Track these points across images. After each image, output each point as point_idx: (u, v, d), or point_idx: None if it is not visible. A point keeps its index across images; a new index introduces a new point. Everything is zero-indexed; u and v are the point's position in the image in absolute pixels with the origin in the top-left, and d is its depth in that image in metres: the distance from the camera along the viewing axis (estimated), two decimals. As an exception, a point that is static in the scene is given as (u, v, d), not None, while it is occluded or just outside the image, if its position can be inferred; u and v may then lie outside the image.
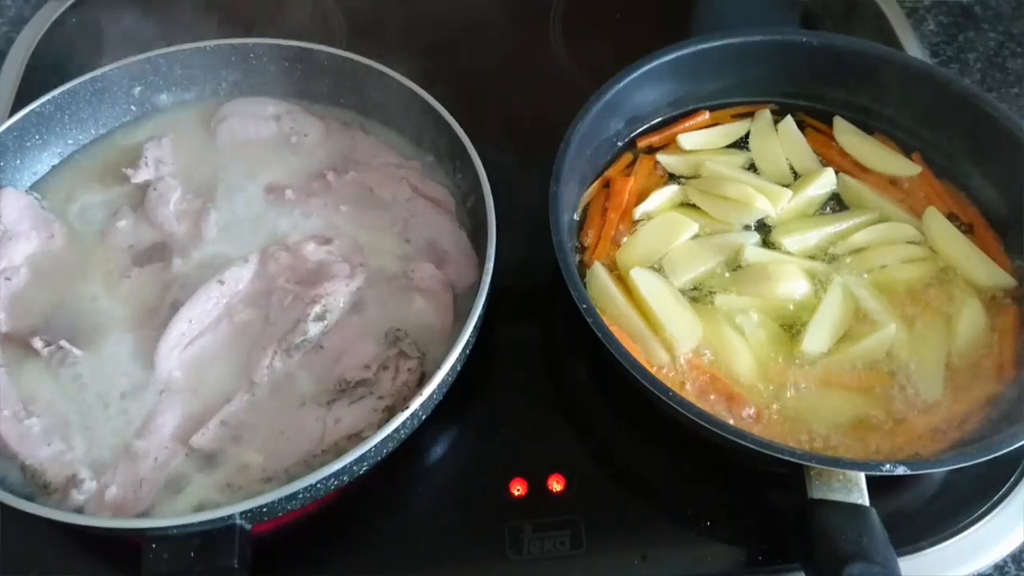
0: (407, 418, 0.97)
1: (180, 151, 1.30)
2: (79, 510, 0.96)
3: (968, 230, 1.26)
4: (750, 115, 1.40)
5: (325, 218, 1.22)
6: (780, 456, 0.94)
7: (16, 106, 1.42)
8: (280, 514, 0.95)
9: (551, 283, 1.22)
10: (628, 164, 1.33)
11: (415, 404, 0.97)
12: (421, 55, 1.33)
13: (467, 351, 1.04)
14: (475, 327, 1.03)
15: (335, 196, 1.24)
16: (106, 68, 1.28)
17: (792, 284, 1.17)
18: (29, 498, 0.97)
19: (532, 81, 1.42)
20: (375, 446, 0.94)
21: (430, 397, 0.99)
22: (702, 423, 0.96)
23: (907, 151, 1.34)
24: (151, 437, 1.02)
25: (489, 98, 1.43)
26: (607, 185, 1.30)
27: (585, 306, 1.04)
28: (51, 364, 1.08)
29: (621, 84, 1.26)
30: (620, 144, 1.35)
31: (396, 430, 0.96)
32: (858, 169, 1.33)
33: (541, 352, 1.22)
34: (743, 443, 0.95)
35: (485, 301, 1.05)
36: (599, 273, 1.19)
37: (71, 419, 1.04)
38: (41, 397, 1.05)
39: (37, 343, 1.07)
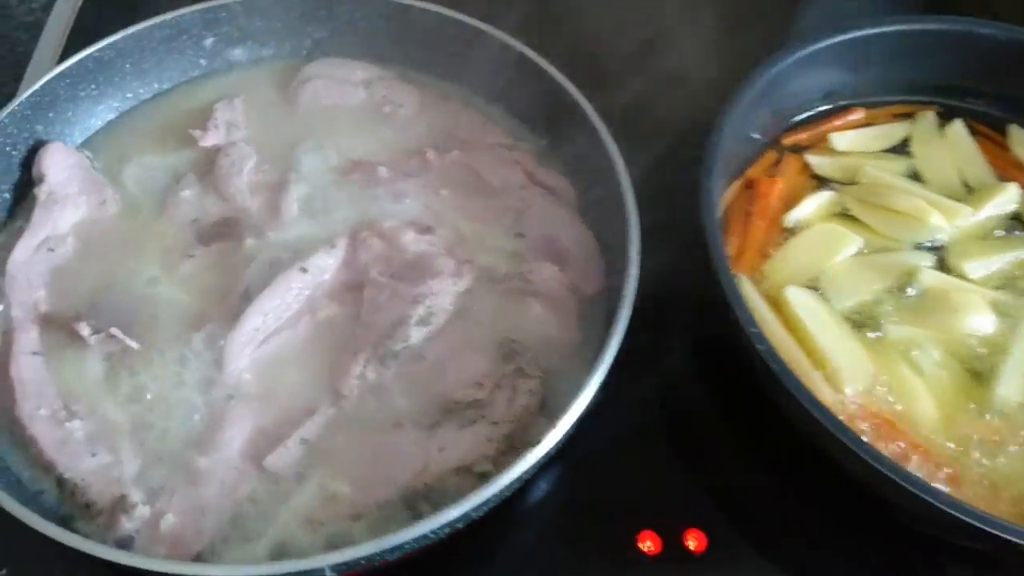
0: (541, 457, 0.78)
1: (254, 115, 1.12)
2: (127, 542, 0.78)
3: None
4: (908, 116, 1.20)
5: (423, 203, 1.04)
6: (1006, 537, 0.75)
7: (68, 51, 1.24)
8: (376, 565, 0.76)
9: (693, 296, 1.03)
10: (772, 163, 1.14)
11: (549, 441, 0.78)
12: (538, 17, 1.14)
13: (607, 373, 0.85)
14: (619, 343, 0.85)
15: (435, 178, 1.05)
16: (177, 12, 1.10)
17: (980, 318, 0.98)
18: (66, 520, 0.80)
19: (673, 55, 1.23)
20: (502, 489, 0.76)
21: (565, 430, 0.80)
22: (906, 486, 0.77)
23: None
24: (217, 454, 0.83)
25: (621, 72, 1.23)
26: (748, 186, 1.11)
27: (754, 331, 0.85)
28: (99, 356, 0.89)
29: (778, 67, 1.07)
30: (763, 140, 1.16)
31: (527, 471, 0.77)
32: (1038, 185, 1.14)
33: (678, 379, 1.03)
34: (958, 516, 0.76)
35: (630, 310, 0.86)
36: (746, 289, 1.00)
37: (121, 425, 0.86)
38: (85, 396, 0.87)
39: (83, 329, 0.89)
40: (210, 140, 1.06)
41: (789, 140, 1.16)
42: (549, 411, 0.88)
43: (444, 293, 0.93)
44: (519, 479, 0.77)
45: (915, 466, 0.88)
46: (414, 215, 1.02)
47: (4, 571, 0.83)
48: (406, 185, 1.04)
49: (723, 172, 1.10)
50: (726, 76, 1.06)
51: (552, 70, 1.05)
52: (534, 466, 0.78)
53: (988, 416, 0.93)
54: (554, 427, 0.79)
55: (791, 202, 1.09)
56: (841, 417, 0.90)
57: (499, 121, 1.13)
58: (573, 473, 0.96)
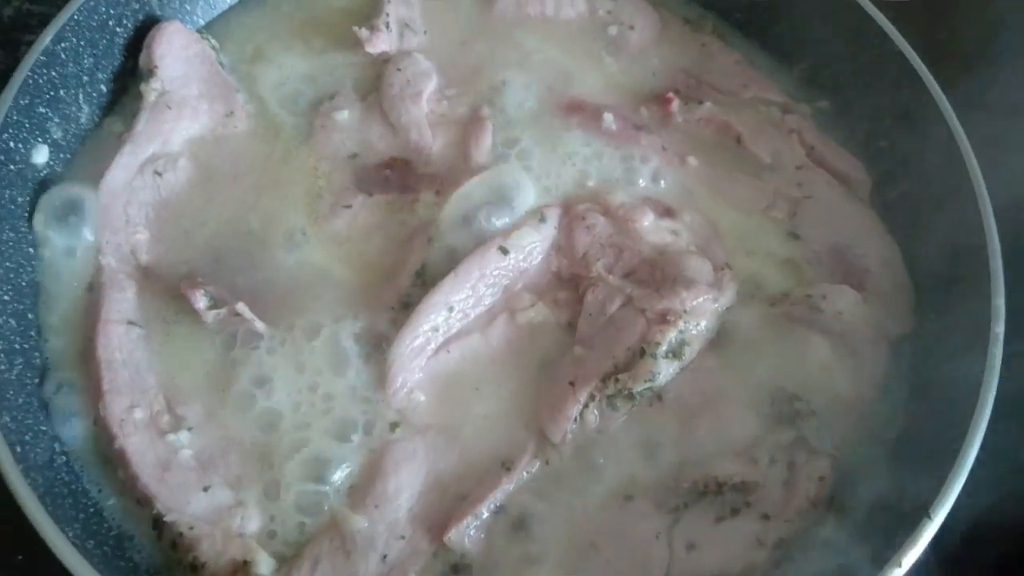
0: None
1: (437, 18, 0.84)
2: (247, 638, 0.54)
3: None
4: None
5: (664, 172, 0.75)
6: None
7: None
8: None
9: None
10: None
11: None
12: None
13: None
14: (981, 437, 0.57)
15: (680, 138, 0.77)
16: None
17: None
18: (158, 578, 0.55)
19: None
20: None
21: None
22: None
23: None
24: (379, 511, 0.58)
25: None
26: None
27: None
28: (218, 339, 0.64)
29: None
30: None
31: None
32: None
33: None
34: None
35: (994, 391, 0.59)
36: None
37: (246, 446, 0.60)
38: (197, 396, 0.62)
39: (198, 300, 0.63)
40: (379, 45, 0.78)
41: None
42: (837, 508, 0.61)
43: (702, 312, 0.65)
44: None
45: None
46: (651, 189, 0.74)
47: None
48: (639, 144, 0.76)
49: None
50: None
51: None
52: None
53: None
54: (899, 567, 0.52)
55: None
56: None
57: (765, 67, 0.83)
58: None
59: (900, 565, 0.52)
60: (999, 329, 0.61)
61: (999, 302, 0.62)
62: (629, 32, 0.83)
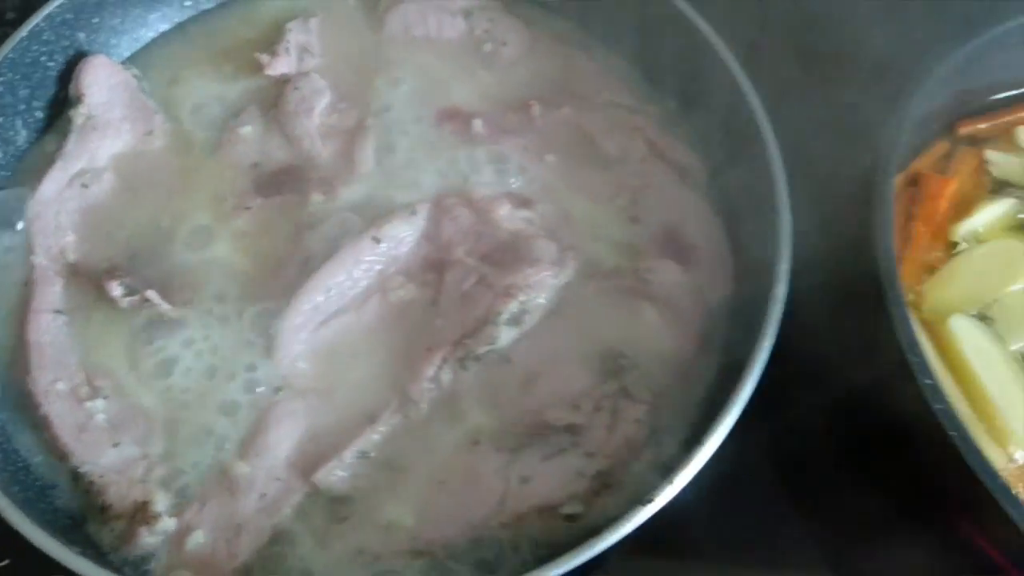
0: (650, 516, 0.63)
1: (333, 41, 0.95)
2: (143, 562, 0.65)
3: None
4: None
5: (525, 169, 0.87)
6: None
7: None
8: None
9: (848, 316, 0.85)
10: (942, 156, 0.95)
11: (664, 495, 0.63)
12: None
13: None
14: (758, 378, 0.68)
15: (540, 139, 0.88)
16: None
17: None
18: (79, 521, 0.67)
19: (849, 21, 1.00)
20: (601, 552, 0.61)
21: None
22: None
23: None
24: (259, 459, 0.70)
25: (779, 22, 1.01)
26: (913, 183, 0.92)
27: (929, 383, 0.68)
28: (130, 323, 0.76)
29: (981, 41, 0.87)
30: (935, 126, 0.96)
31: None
32: None
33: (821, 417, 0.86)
34: None
35: (773, 340, 0.70)
36: (903, 313, 0.82)
37: (152, 411, 0.72)
38: (112, 371, 0.74)
39: (114, 289, 0.75)
40: (278, 67, 0.90)
41: (966, 129, 0.96)
42: (654, 445, 0.73)
43: (542, 286, 0.77)
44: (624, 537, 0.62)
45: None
46: (512, 184, 0.86)
47: (6, 562, 0.72)
48: (504, 145, 0.87)
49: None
50: (912, 48, 0.86)
51: (693, 14, 0.86)
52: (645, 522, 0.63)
53: None
54: (670, 483, 0.63)
55: (962, 208, 0.90)
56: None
57: (620, 74, 0.94)
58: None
59: (672, 483, 0.63)
60: (779, 291, 0.72)
61: (783, 265, 0.73)
62: (503, 48, 0.94)
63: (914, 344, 0.70)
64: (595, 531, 0.62)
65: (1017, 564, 0.68)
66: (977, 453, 0.65)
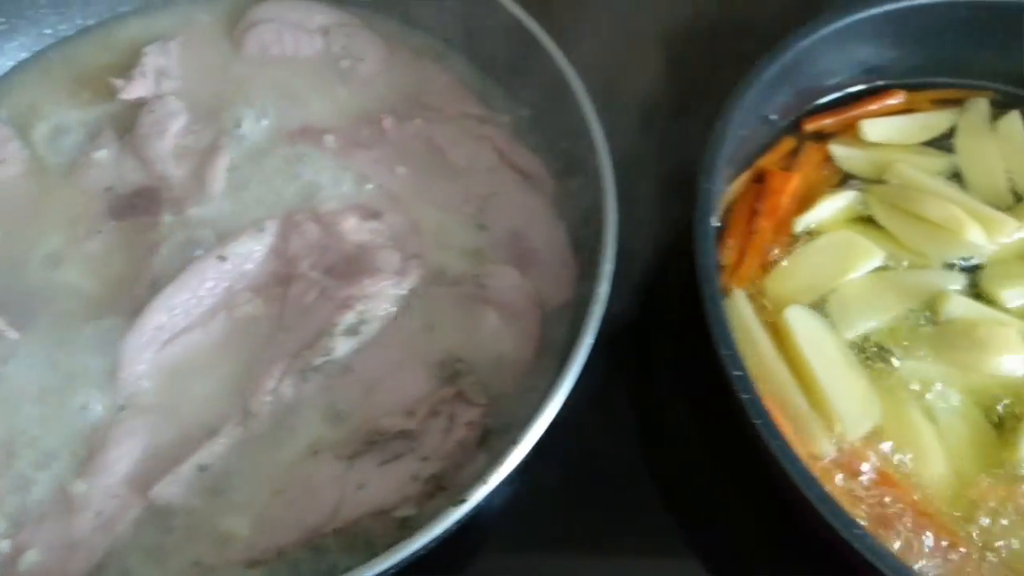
0: (467, 513, 0.65)
1: (191, 63, 0.97)
2: (-24, 583, 0.67)
3: None
4: (958, 103, 1.03)
5: (375, 181, 0.89)
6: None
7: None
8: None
9: (679, 314, 0.88)
10: (789, 152, 0.98)
11: (478, 494, 0.66)
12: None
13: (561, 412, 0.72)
14: (578, 374, 0.71)
15: (391, 152, 0.91)
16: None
17: (1012, 358, 0.83)
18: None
19: (683, 17, 1.03)
20: (420, 548, 0.64)
21: (504, 482, 0.67)
22: None
23: None
24: (97, 477, 0.72)
25: (619, 33, 1.04)
26: (759, 179, 0.95)
27: (738, 374, 0.71)
28: (-25, 347, 0.78)
29: (807, 42, 0.90)
30: (781, 123, 0.99)
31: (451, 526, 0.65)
32: (1102, 198, 0.97)
33: (653, 410, 0.89)
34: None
35: (594, 336, 0.73)
36: (740, 307, 0.86)
37: (-3, 435, 0.74)
38: (-49, 395, 0.76)
39: (-42, 316, 0.77)
40: (134, 91, 0.91)
41: (812, 125, 1.00)
42: (492, 446, 0.76)
43: (381, 296, 0.80)
44: (440, 536, 0.65)
45: (912, 533, 0.75)
46: (363, 197, 0.88)
47: None
48: (356, 159, 0.90)
49: (729, 162, 0.94)
50: (747, 46, 0.89)
51: (534, 26, 0.89)
52: (460, 520, 0.66)
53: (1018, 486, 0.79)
54: (485, 483, 0.66)
55: (807, 201, 0.93)
56: (832, 468, 0.78)
57: (477, 85, 0.97)
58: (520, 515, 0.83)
59: (485, 482, 0.66)
60: (602, 290, 0.75)
61: (607, 266, 0.76)
62: (360, 64, 0.97)
63: (727, 338, 0.73)
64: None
65: (833, 548, 0.71)
66: (781, 442, 0.69)
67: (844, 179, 0.96)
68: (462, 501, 0.65)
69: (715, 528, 0.86)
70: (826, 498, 0.66)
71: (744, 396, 0.70)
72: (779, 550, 0.83)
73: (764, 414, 0.69)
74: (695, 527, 0.86)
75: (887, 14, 0.93)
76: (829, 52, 0.94)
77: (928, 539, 0.75)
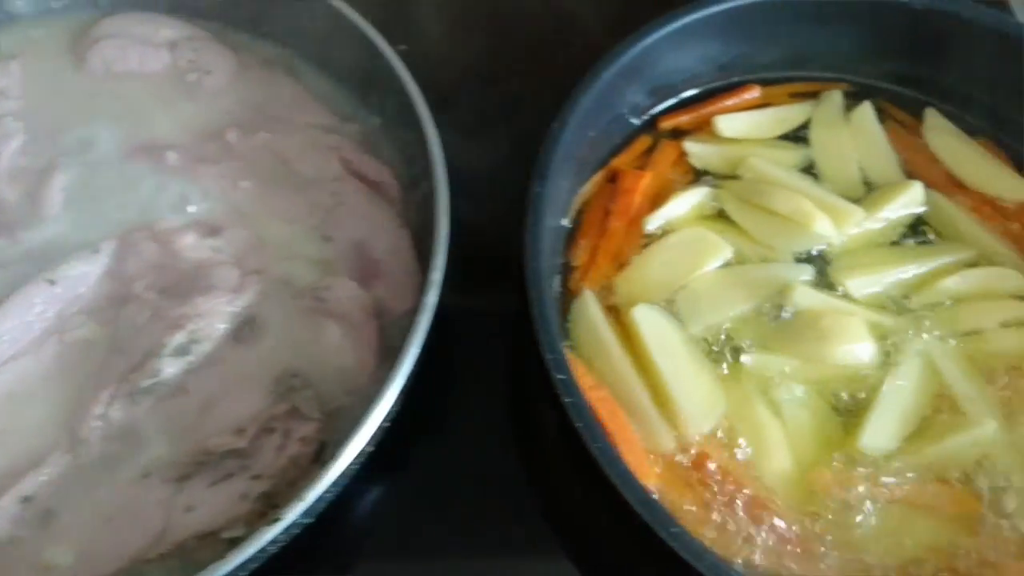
0: (280, 531, 0.65)
1: (34, 81, 0.95)
2: None
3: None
4: (814, 96, 1.04)
5: (219, 197, 0.88)
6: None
7: None
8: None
9: (514, 323, 0.88)
10: (644, 151, 0.99)
11: (293, 512, 0.65)
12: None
13: (388, 423, 0.72)
14: (402, 390, 0.71)
15: (236, 166, 0.90)
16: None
17: (856, 347, 0.84)
18: None
19: (528, 20, 1.03)
20: (237, 568, 0.63)
21: (320, 499, 0.67)
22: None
23: (1019, 165, 0.99)
24: (-84, 513, 0.70)
25: (465, 40, 1.04)
26: (613, 179, 0.96)
27: (563, 378, 0.71)
28: None
29: (647, 41, 0.91)
30: (637, 122, 1.00)
31: (266, 545, 0.64)
32: (952, 184, 0.98)
33: (508, 410, 0.89)
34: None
35: (422, 347, 0.72)
36: (588, 308, 0.86)
37: None
38: None
39: None
40: (-30, 114, 0.90)
41: (668, 123, 1.00)
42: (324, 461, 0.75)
43: (215, 314, 0.79)
44: (255, 557, 0.64)
45: (753, 525, 0.76)
46: (204, 213, 0.87)
47: None
48: (199, 175, 0.88)
49: (586, 162, 0.95)
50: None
51: (372, 32, 0.89)
52: (278, 538, 0.65)
53: (850, 466, 0.80)
54: (301, 499, 0.65)
55: (661, 199, 0.94)
56: (679, 467, 0.79)
57: (328, 95, 0.96)
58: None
59: (303, 499, 0.65)
60: (430, 299, 0.74)
61: (436, 275, 0.75)
62: (207, 77, 0.95)
63: (551, 342, 0.73)
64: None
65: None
66: (603, 443, 0.69)
67: (699, 176, 0.97)
68: (276, 520, 0.65)
69: (587, 530, 0.86)
70: (645, 500, 0.67)
71: (566, 400, 0.70)
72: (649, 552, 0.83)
73: (586, 417, 0.69)
74: (568, 530, 0.86)
75: (730, 11, 0.94)
76: (675, 50, 0.95)
77: (768, 532, 0.76)
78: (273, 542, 0.65)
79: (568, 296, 0.87)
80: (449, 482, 0.88)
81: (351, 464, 0.69)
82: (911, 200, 0.95)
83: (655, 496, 0.74)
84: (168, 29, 0.98)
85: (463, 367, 0.87)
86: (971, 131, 1.01)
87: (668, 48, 0.93)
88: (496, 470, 0.88)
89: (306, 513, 0.67)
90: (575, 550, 0.85)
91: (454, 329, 0.85)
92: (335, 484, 0.67)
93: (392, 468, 0.85)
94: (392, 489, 0.87)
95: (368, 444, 0.70)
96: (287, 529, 0.66)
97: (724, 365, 0.84)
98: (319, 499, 0.67)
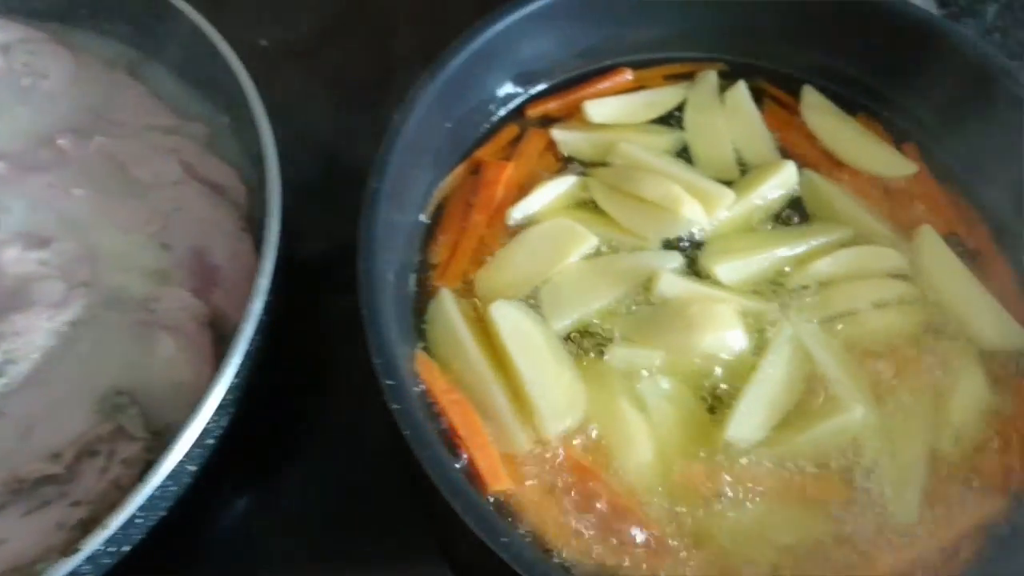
0: (82, 562, 0.60)
1: None
2: None
3: (974, 258, 0.89)
4: (689, 77, 1.01)
5: (49, 206, 0.83)
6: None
7: None
8: None
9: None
10: (511, 141, 0.95)
11: (93, 542, 0.60)
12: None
13: (211, 439, 0.67)
14: (234, 401, 0.67)
15: (70, 173, 0.85)
16: None
17: (724, 335, 0.81)
18: None
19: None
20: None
21: (130, 525, 0.62)
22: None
23: (899, 141, 0.97)
24: None
25: (311, 35, 1.00)
26: (477, 171, 0.92)
27: (391, 383, 0.67)
28: None
29: (503, 24, 0.87)
30: (502, 112, 0.96)
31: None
32: (830, 163, 0.95)
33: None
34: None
35: (246, 356, 0.68)
36: (445, 307, 0.82)
37: None
38: None
39: None
40: None
41: (535, 111, 0.97)
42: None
43: (33, 331, 0.74)
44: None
45: (611, 528, 0.72)
46: (32, 224, 0.82)
47: None
48: (28, 185, 0.83)
49: (445, 154, 0.91)
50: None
51: (204, 23, 0.84)
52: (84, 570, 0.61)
53: (717, 460, 0.77)
54: (104, 527, 0.61)
55: (527, 190, 0.90)
56: (536, 468, 0.75)
57: (174, 95, 0.92)
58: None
59: (105, 527, 0.61)
60: (255, 306, 0.70)
61: (263, 282, 0.71)
62: (43, 81, 0.90)
63: (381, 346, 0.68)
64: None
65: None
66: (430, 451, 0.65)
67: (567, 164, 0.93)
68: (76, 551, 0.60)
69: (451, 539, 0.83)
70: (474, 508, 0.63)
71: (394, 407, 0.66)
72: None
73: (414, 424, 0.65)
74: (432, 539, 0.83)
75: (585, -8, 0.90)
76: (534, 35, 0.91)
77: (626, 534, 0.73)
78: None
79: (425, 296, 0.83)
80: (314, 494, 0.85)
81: (169, 485, 0.64)
82: (784, 181, 0.92)
83: (498, 501, 0.71)
84: (1, 32, 0.92)
85: (331, 372, 0.83)
86: (851, 108, 0.98)
87: (525, 33, 0.90)
88: (361, 480, 0.85)
89: (117, 541, 0.62)
90: (446, 559, 0.82)
91: (317, 330, 0.80)
92: (145, 508, 0.62)
93: (253, 482, 0.81)
94: (254, 503, 0.83)
95: (189, 462, 0.65)
96: (93, 559, 0.61)
97: (590, 360, 0.81)
98: (130, 525, 0.62)
